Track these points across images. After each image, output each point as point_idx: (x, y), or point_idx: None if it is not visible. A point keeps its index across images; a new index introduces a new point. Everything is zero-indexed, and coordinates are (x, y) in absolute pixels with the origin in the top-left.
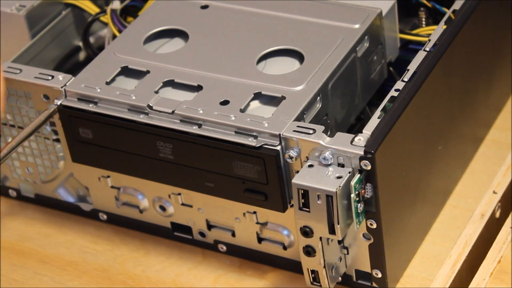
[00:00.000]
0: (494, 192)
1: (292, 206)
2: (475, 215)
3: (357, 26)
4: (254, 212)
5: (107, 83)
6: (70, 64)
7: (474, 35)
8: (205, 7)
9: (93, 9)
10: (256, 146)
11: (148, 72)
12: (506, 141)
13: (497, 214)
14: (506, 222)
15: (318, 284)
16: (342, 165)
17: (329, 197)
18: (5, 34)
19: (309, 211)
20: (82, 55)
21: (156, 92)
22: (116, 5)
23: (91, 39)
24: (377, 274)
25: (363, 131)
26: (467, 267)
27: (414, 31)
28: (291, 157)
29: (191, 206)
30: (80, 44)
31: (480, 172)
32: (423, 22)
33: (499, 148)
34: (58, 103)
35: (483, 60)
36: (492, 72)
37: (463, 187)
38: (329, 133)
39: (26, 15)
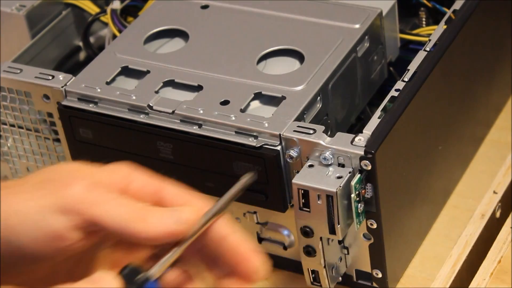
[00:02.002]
0: (494, 192)
1: (292, 206)
2: (475, 215)
3: (357, 26)
4: (255, 212)
5: (107, 83)
6: (70, 64)
7: (474, 35)
8: (205, 7)
9: (93, 9)
10: (257, 146)
11: (148, 72)
12: (506, 141)
13: (497, 214)
14: (506, 222)
15: (319, 284)
16: (343, 165)
17: (329, 197)
18: (5, 34)
19: (309, 211)
20: (82, 55)
21: (156, 92)
22: (116, 5)
23: (91, 39)
24: (377, 274)
25: (364, 131)
26: (467, 267)
27: (414, 31)
28: (291, 157)
29: None
30: (80, 44)
31: (480, 172)
32: (423, 22)
33: (499, 148)
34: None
35: (483, 60)
36: (492, 72)
37: (463, 187)
38: (329, 133)
39: (26, 15)
